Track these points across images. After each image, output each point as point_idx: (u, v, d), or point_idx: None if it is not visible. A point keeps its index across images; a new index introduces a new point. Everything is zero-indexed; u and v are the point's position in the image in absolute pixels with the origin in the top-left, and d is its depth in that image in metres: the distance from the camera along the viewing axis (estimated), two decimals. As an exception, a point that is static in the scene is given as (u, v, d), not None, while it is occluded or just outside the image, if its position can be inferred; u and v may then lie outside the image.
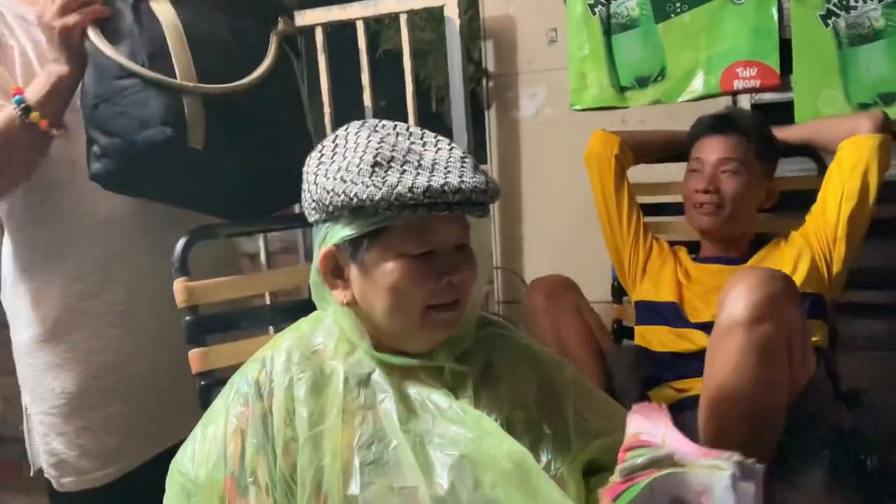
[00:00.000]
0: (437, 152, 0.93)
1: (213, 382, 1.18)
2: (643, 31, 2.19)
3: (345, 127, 0.98)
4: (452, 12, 2.14)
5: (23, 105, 1.13)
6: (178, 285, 1.19)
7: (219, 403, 0.98)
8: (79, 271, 1.25)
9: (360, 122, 0.98)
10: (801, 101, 1.90)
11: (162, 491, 0.97)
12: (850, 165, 1.61)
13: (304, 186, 0.96)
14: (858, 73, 1.89)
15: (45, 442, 1.30)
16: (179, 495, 0.94)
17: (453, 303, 0.95)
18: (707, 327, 1.44)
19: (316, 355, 0.98)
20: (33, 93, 1.15)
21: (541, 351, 1.09)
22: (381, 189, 0.86)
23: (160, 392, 1.30)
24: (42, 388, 1.26)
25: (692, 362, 1.49)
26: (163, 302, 1.22)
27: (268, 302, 1.72)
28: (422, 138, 0.95)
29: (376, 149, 0.91)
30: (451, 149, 0.94)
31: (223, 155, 1.16)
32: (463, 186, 0.87)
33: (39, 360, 1.26)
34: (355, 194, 0.87)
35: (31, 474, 1.39)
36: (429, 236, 0.92)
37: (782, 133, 1.81)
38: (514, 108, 2.33)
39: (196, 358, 1.18)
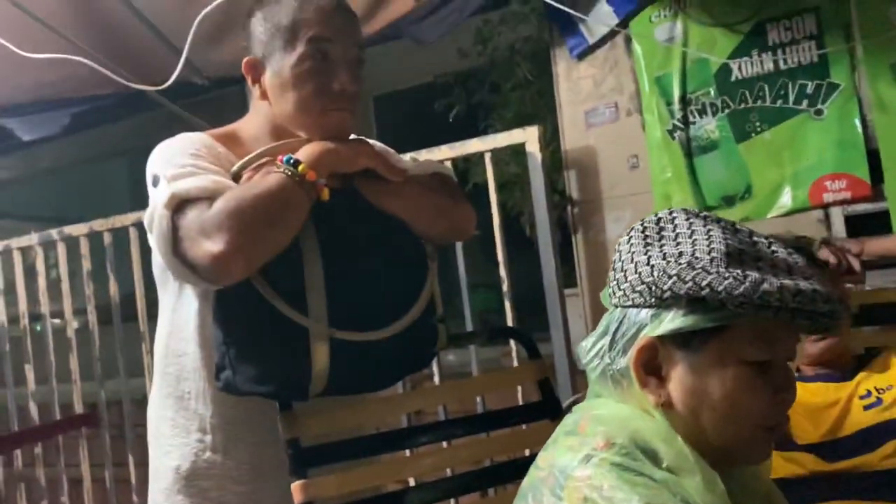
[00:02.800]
0: (778, 254, 0.85)
1: (315, 516, 1.20)
2: (724, 151, 2.24)
3: (664, 212, 0.91)
4: (534, 147, 2.24)
5: (291, 161, 1.16)
6: (280, 419, 1.23)
7: None
8: (212, 419, 1.27)
9: (677, 209, 0.91)
10: (896, 210, 1.87)
11: None
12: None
13: (622, 267, 0.88)
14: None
15: None
16: None
17: (780, 425, 0.85)
18: (816, 449, 1.37)
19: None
20: (303, 154, 1.19)
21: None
22: (742, 284, 0.78)
23: None
24: None
25: (802, 488, 1.41)
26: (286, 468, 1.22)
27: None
28: (750, 236, 0.87)
29: (724, 240, 0.83)
30: (790, 252, 0.86)
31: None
32: (832, 296, 0.80)
33: (173, 499, 1.27)
34: (708, 284, 0.79)
35: None
36: (773, 345, 0.82)
37: (880, 244, 1.76)
38: (600, 231, 2.38)
39: (298, 490, 1.21)
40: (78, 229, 2.89)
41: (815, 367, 1.65)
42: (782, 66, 2.17)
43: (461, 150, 2.32)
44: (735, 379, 0.81)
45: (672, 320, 0.82)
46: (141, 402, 2.84)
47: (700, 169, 2.26)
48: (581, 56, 2.40)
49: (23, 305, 3.10)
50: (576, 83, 2.43)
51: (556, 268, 2.26)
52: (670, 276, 0.81)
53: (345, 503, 1.26)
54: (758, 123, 2.20)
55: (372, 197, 1.26)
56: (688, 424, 0.84)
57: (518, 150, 2.56)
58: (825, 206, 2.10)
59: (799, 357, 1.68)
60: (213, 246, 1.09)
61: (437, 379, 2.35)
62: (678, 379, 0.83)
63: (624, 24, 2.31)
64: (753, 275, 0.79)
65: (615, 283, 0.89)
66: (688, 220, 0.87)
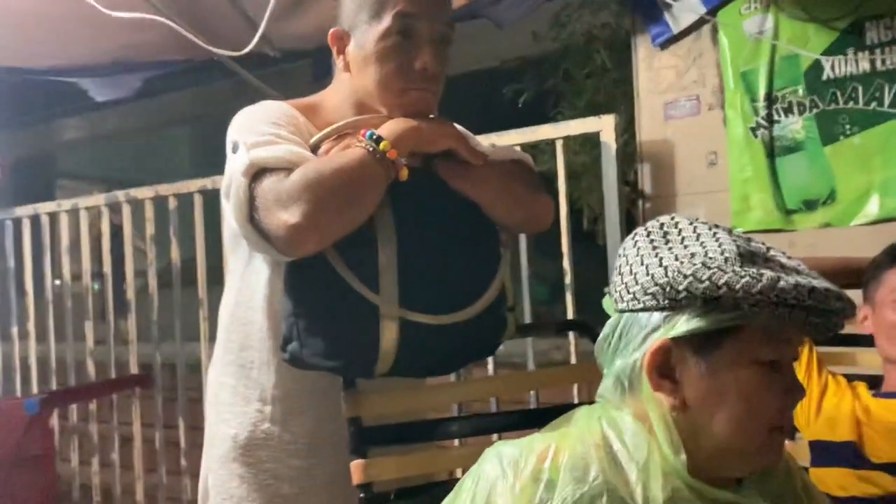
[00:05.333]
0: (780, 258, 0.86)
1: (371, 496, 1.19)
2: (809, 153, 2.14)
3: (665, 217, 0.92)
4: (608, 137, 2.18)
5: (374, 137, 1.13)
6: (344, 396, 1.21)
7: None
8: (274, 390, 1.26)
9: (677, 215, 0.92)
10: None
11: None
12: None
13: (630, 271, 0.87)
14: None
15: None
16: None
17: (789, 425, 0.86)
18: (893, 469, 1.30)
19: (614, 475, 0.82)
20: (385, 130, 1.15)
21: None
22: (759, 281, 0.78)
23: None
24: (224, 490, 1.30)
25: (876, 509, 1.34)
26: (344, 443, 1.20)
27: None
28: (748, 241, 0.88)
29: (734, 241, 0.84)
30: (789, 257, 0.87)
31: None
32: (842, 295, 0.80)
33: (229, 466, 1.28)
34: (725, 283, 0.78)
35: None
36: (783, 345, 0.83)
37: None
38: (671, 229, 2.30)
39: (357, 469, 1.19)
40: (143, 192, 2.93)
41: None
42: (879, 66, 2.06)
43: (531, 136, 2.27)
44: (750, 379, 0.81)
45: (687, 322, 0.81)
46: (194, 367, 2.90)
47: (782, 170, 2.17)
48: (664, 45, 2.32)
49: (86, 264, 3.16)
50: (656, 73, 2.35)
51: (622, 263, 2.19)
52: (686, 276, 0.80)
53: (397, 487, 1.24)
54: (847, 126, 2.10)
55: (451, 179, 1.23)
56: (699, 429, 0.83)
57: (589, 140, 2.50)
58: (915, 218, 2.00)
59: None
60: (288, 217, 1.08)
61: (490, 368, 2.32)
62: (692, 381, 0.83)
63: (712, 13, 2.22)
64: (769, 273, 0.79)
65: (623, 287, 0.88)
66: (691, 224, 0.89)
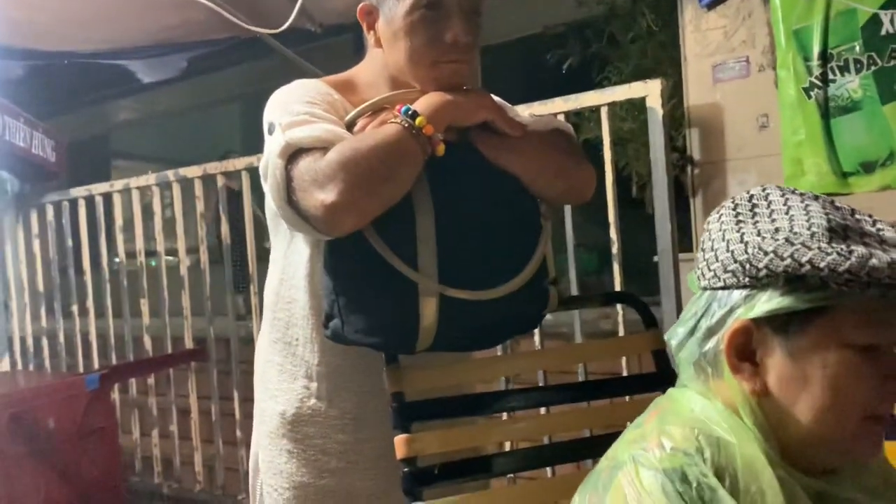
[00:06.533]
0: (885, 231, 0.79)
1: (416, 471, 1.19)
2: (867, 112, 2.05)
3: (757, 188, 0.86)
4: (655, 102, 2.12)
5: (409, 112, 1.12)
6: (386, 372, 1.22)
7: None
8: (319, 367, 1.27)
9: (770, 186, 0.86)
10: None
11: None
12: None
13: (711, 246, 0.83)
14: None
15: None
16: None
17: (888, 416, 0.79)
18: None
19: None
20: (420, 105, 1.14)
21: None
22: (848, 259, 0.72)
23: None
24: (274, 465, 1.33)
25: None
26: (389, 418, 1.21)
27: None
28: (852, 213, 0.81)
29: (825, 214, 0.78)
30: None
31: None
32: None
33: (278, 442, 1.30)
34: (809, 260, 0.73)
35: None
36: (882, 327, 0.76)
37: None
38: (721, 195, 2.25)
39: (400, 444, 1.20)
40: (192, 171, 2.98)
41: None
42: (943, 19, 1.95)
43: (576, 104, 2.22)
44: (838, 364, 0.76)
45: (768, 301, 0.77)
46: (247, 341, 2.96)
47: (837, 131, 2.08)
48: (711, 5, 2.24)
49: (140, 242, 3.24)
50: (704, 35, 2.27)
51: (671, 230, 2.15)
52: (766, 253, 0.76)
53: (441, 462, 1.25)
54: (909, 83, 2.00)
55: (489, 152, 1.21)
56: (782, 417, 0.78)
57: (635, 106, 2.44)
58: (980, 179, 1.91)
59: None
60: (325, 196, 1.07)
61: (537, 340, 2.31)
62: (775, 365, 0.78)
63: (762, -30, 2.13)
64: (860, 249, 0.73)
65: (704, 263, 0.83)
66: (783, 195, 0.82)
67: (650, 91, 2.11)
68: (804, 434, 0.78)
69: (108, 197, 3.28)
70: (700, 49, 2.26)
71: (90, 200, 3.33)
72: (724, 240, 0.82)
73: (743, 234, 0.80)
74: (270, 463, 1.32)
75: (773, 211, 0.80)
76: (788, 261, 0.74)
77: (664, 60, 2.55)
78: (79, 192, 3.37)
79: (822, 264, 0.73)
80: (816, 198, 0.82)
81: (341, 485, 1.27)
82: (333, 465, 1.27)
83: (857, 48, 2.07)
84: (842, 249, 0.74)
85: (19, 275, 3.69)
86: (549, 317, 1.33)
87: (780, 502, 0.74)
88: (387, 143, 1.10)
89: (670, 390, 0.89)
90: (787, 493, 0.76)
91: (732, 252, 0.80)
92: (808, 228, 0.76)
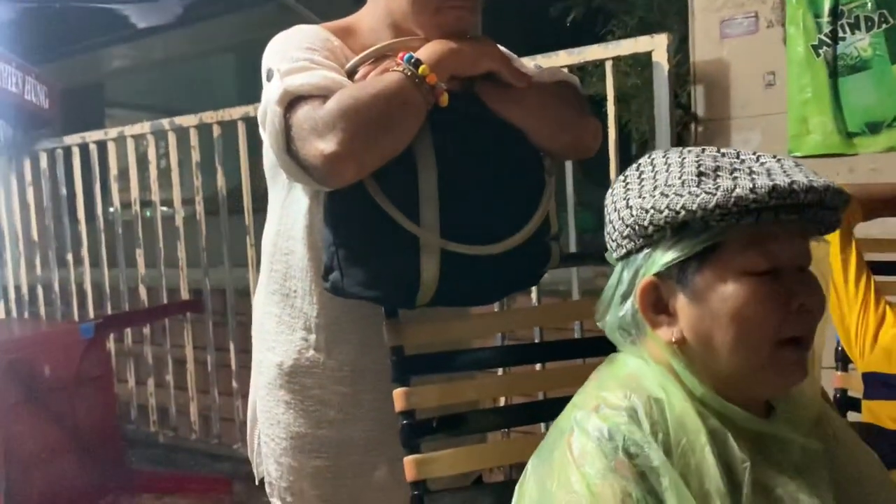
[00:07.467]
0: (763, 163, 0.80)
1: (414, 423, 1.20)
2: (876, 72, 2.02)
3: (646, 155, 0.89)
4: (661, 57, 2.08)
5: (412, 60, 1.09)
6: (386, 326, 1.21)
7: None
8: (317, 319, 1.26)
9: (658, 151, 0.89)
10: None
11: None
12: None
13: (609, 219, 0.87)
14: None
15: (266, 462, 1.36)
16: None
17: (804, 338, 0.80)
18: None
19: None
20: (423, 53, 1.11)
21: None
22: (714, 195, 0.75)
23: (368, 468, 1.28)
24: (271, 415, 1.33)
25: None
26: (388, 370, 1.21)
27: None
28: (738, 156, 0.82)
29: (696, 161, 0.81)
30: (779, 159, 0.81)
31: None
32: (815, 184, 0.75)
33: (275, 393, 1.30)
34: (682, 206, 0.76)
35: (257, 483, 1.45)
36: (772, 249, 0.78)
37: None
38: (724, 154, 2.22)
39: (399, 397, 1.20)
40: (188, 120, 2.93)
41: None
42: (958, -24, 1.91)
43: (580, 57, 2.18)
44: (737, 295, 0.78)
45: (663, 255, 0.81)
46: (243, 292, 2.95)
47: (844, 90, 2.05)
48: (721, -42, 2.18)
49: (135, 192, 3.21)
50: (712, -12, 2.22)
51: (672, 189, 2.13)
52: (647, 211, 0.80)
53: (439, 415, 1.25)
54: (920, 43, 1.96)
55: (493, 103, 1.18)
56: (705, 359, 0.81)
57: (640, 61, 2.40)
58: None
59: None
60: (325, 146, 1.05)
61: (534, 297, 2.30)
62: (685, 312, 0.81)
63: (774, -79, 2.07)
64: (725, 183, 0.76)
65: (608, 237, 0.88)
66: (664, 156, 0.85)
67: (656, 46, 2.07)
68: (728, 370, 0.80)
69: (102, 145, 3.24)
70: (708, 3, 2.21)
71: (84, 148, 3.29)
72: (615, 209, 0.85)
73: (628, 199, 0.83)
74: (268, 413, 1.32)
75: (656, 172, 0.83)
76: (666, 212, 0.78)
77: (670, 15, 2.50)
78: (73, 139, 3.33)
79: (694, 206, 0.76)
80: (704, 150, 0.84)
81: (339, 435, 1.27)
82: (331, 415, 1.27)
83: (869, 5, 2.02)
84: (709, 188, 0.77)
85: (13, 223, 3.66)
86: (546, 274, 1.32)
87: (710, 453, 0.77)
88: (388, 91, 1.07)
89: (611, 355, 0.91)
90: (719, 442, 0.78)
91: (623, 218, 0.83)
92: (680, 178, 0.80)
